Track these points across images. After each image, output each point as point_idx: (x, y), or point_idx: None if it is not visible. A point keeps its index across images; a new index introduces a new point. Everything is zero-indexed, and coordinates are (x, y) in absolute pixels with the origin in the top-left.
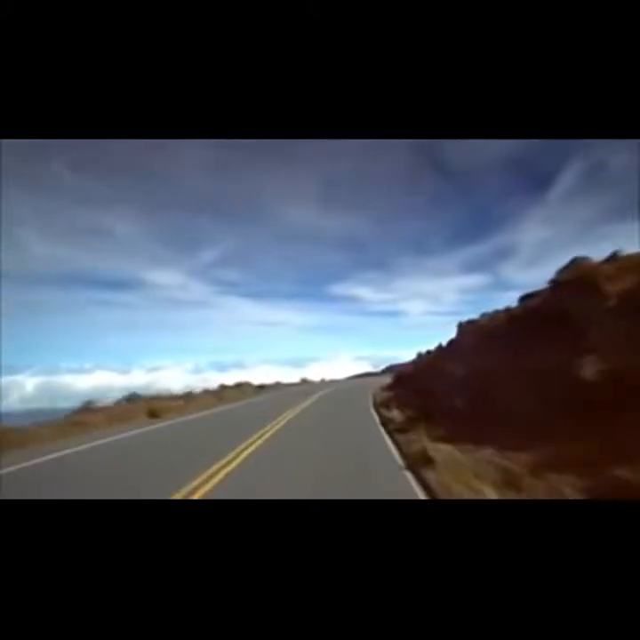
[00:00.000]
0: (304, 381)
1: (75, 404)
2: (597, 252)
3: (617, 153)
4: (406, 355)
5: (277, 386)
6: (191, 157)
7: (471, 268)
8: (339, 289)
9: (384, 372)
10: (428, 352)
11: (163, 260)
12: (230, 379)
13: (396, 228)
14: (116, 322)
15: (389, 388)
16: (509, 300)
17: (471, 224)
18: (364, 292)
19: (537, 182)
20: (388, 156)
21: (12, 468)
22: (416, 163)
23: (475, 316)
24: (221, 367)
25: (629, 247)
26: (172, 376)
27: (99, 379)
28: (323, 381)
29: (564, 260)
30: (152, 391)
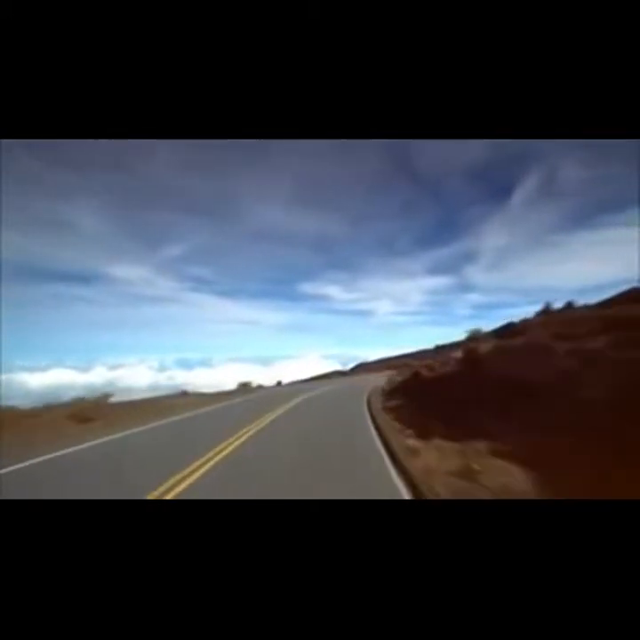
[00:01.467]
0: (244, 387)
1: (30, 403)
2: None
3: (568, 167)
4: (374, 353)
5: (168, 404)
6: (162, 152)
7: (437, 269)
8: (308, 288)
9: (353, 370)
10: (508, 327)
11: (127, 253)
12: (196, 377)
13: (365, 228)
14: (77, 317)
15: (419, 423)
16: (472, 301)
17: (438, 228)
18: (333, 291)
19: (498, 191)
20: (360, 159)
21: None
22: (386, 166)
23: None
24: (188, 365)
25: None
26: (136, 374)
27: (56, 377)
28: (279, 385)
29: (520, 265)
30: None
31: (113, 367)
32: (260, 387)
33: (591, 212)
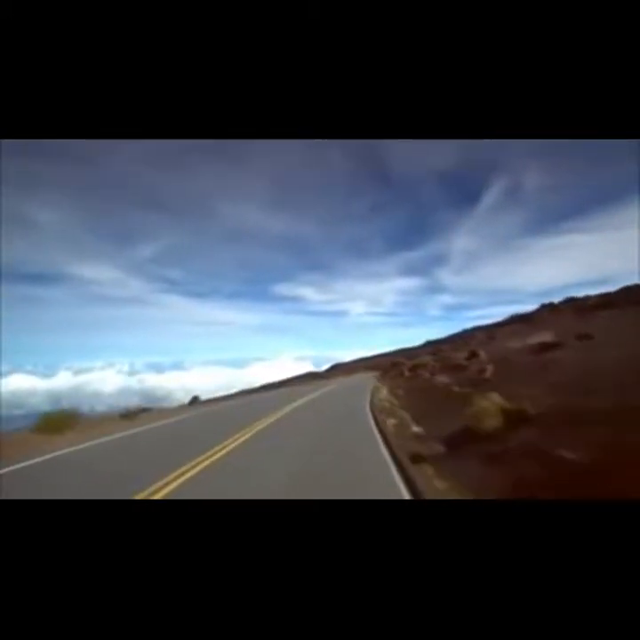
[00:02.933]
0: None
1: None
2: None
3: (531, 175)
4: (348, 354)
5: None
6: (132, 148)
7: (409, 271)
8: (282, 289)
9: (329, 371)
10: None
11: (95, 253)
12: (168, 381)
13: (339, 230)
14: (39, 320)
15: None
16: (443, 302)
17: (409, 231)
18: (307, 292)
19: (466, 197)
20: (334, 162)
21: None
22: (361, 170)
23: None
24: (159, 368)
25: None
26: (104, 379)
27: (16, 383)
28: (194, 403)
29: (490, 268)
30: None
31: (78, 372)
32: (141, 411)
33: (553, 218)
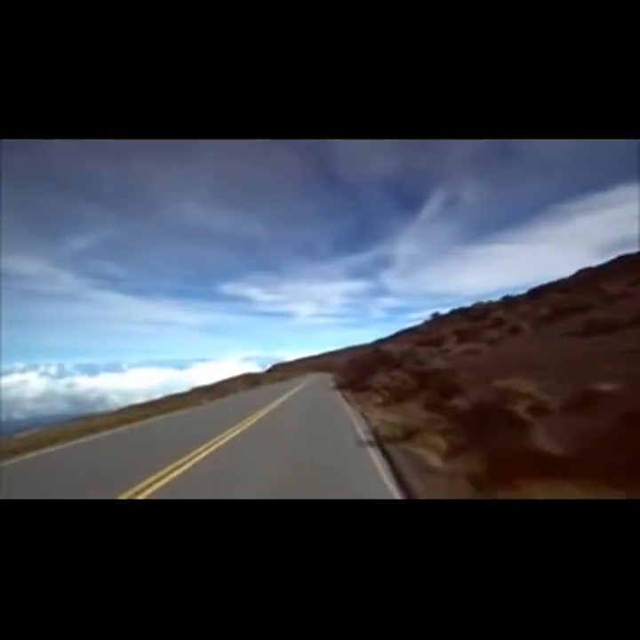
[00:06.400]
0: None
1: None
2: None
3: (469, 188)
4: (293, 355)
5: None
6: None
7: (354, 274)
8: (229, 288)
9: (270, 371)
10: None
11: (21, 243)
12: (103, 383)
13: (287, 232)
14: None
15: None
16: (386, 304)
17: (355, 234)
18: (254, 292)
19: (410, 204)
20: (283, 162)
21: None
22: (311, 172)
23: (356, 319)
24: (93, 371)
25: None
26: (26, 382)
27: None
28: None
29: (430, 273)
30: None
31: None
32: None
33: (487, 228)
